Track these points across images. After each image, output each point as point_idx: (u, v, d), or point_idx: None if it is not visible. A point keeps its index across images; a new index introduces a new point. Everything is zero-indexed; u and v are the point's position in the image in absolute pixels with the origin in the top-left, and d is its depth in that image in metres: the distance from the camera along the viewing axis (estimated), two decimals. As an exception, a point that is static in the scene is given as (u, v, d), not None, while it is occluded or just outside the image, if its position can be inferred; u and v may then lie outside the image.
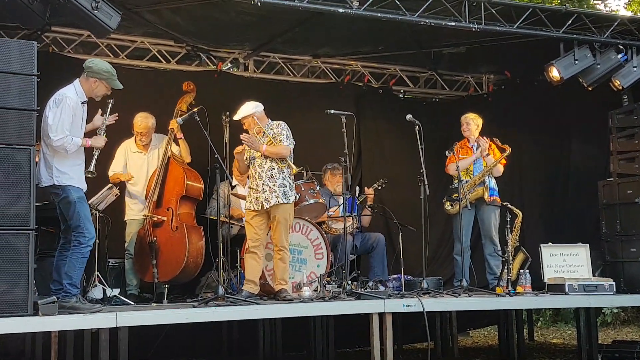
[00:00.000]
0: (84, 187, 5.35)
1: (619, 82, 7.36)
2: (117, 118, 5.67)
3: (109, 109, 5.50)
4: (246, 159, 6.40)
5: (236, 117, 6.35)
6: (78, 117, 5.29)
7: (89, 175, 5.40)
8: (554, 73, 7.25)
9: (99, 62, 5.48)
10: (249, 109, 6.33)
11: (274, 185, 6.18)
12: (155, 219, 6.78)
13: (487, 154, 7.49)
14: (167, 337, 7.04)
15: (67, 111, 5.19)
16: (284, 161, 6.27)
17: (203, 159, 6.46)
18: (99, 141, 5.41)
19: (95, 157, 5.41)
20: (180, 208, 6.81)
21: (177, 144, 7.06)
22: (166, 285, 6.53)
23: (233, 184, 7.40)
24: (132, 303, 6.33)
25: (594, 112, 8.34)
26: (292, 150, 6.36)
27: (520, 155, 9.10)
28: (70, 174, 5.23)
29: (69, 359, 5.96)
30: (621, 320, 10.46)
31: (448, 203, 7.45)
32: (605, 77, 7.37)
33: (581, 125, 8.87)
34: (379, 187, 8.04)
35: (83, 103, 5.34)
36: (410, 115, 6.80)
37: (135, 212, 6.96)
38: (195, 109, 6.15)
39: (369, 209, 7.90)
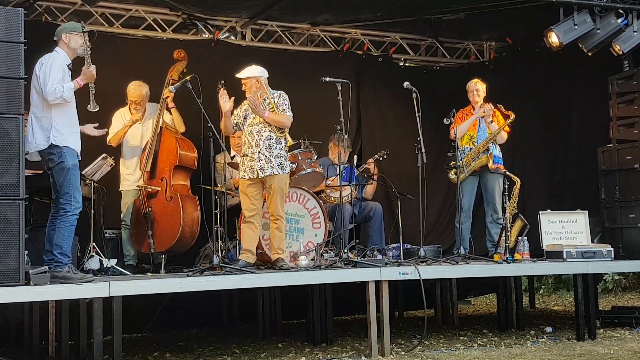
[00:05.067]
0: (79, 150, 5.35)
1: (619, 47, 7.23)
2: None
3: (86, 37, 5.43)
4: (236, 125, 6.34)
5: (240, 75, 6.26)
6: (67, 77, 5.29)
7: (93, 110, 5.44)
8: (553, 38, 7.14)
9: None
10: (256, 71, 6.26)
11: (270, 155, 6.14)
12: (150, 189, 6.75)
13: (491, 121, 7.40)
14: (167, 309, 7.08)
15: (55, 66, 5.21)
16: (282, 131, 6.21)
17: (199, 128, 6.41)
18: (89, 74, 5.34)
19: (92, 92, 5.40)
20: (174, 178, 6.77)
21: (170, 113, 7.01)
22: (164, 256, 6.53)
23: (232, 155, 7.37)
24: (129, 273, 6.35)
25: (594, 78, 8.25)
26: None
27: (521, 123, 8.95)
28: (66, 135, 5.25)
29: (64, 330, 5.97)
30: (622, 287, 10.44)
31: (453, 172, 7.35)
32: (605, 42, 7.25)
33: (582, 91, 8.78)
34: (380, 159, 7.99)
35: (68, 66, 5.35)
36: (408, 83, 6.72)
37: (130, 182, 6.94)
38: (188, 77, 6.10)
39: (370, 178, 7.85)
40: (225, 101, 6.21)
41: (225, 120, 6.29)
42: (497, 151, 7.43)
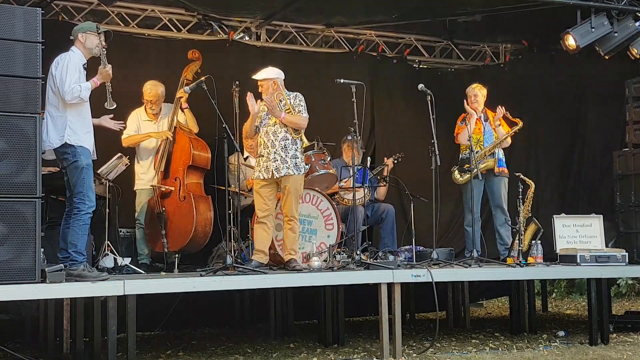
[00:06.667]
0: (92, 150, 5.40)
1: (636, 51, 7.20)
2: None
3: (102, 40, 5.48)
4: (256, 127, 6.36)
5: (257, 77, 6.28)
6: (83, 76, 5.34)
7: (110, 107, 5.51)
8: (570, 41, 7.11)
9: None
10: (273, 73, 6.29)
11: (286, 155, 6.15)
12: (163, 189, 6.80)
13: (499, 124, 7.39)
14: (180, 307, 7.10)
15: (72, 66, 5.25)
16: (297, 132, 6.23)
17: (213, 129, 6.43)
18: (105, 73, 5.39)
19: (109, 90, 5.46)
20: (187, 178, 6.81)
21: (184, 114, 7.04)
22: (177, 255, 6.56)
23: (245, 156, 7.38)
24: (143, 272, 6.37)
25: (611, 82, 8.21)
26: None
27: (536, 126, 9.01)
28: (81, 135, 5.29)
29: (79, 327, 6.01)
30: (636, 292, 10.39)
31: (457, 172, 7.38)
32: (622, 45, 7.21)
33: (598, 95, 8.75)
34: (395, 162, 7.99)
35: (84, 66, 5.39)
36: (422, 85, 6.72)
37: (144, 182, 6.97)
38: (203, 77, 6.12)
39: (383, 180, 7.86)
40: (253, 104, 6.23)
41: (251, 123, 6.30)
42: (501, 155, 7.43)
